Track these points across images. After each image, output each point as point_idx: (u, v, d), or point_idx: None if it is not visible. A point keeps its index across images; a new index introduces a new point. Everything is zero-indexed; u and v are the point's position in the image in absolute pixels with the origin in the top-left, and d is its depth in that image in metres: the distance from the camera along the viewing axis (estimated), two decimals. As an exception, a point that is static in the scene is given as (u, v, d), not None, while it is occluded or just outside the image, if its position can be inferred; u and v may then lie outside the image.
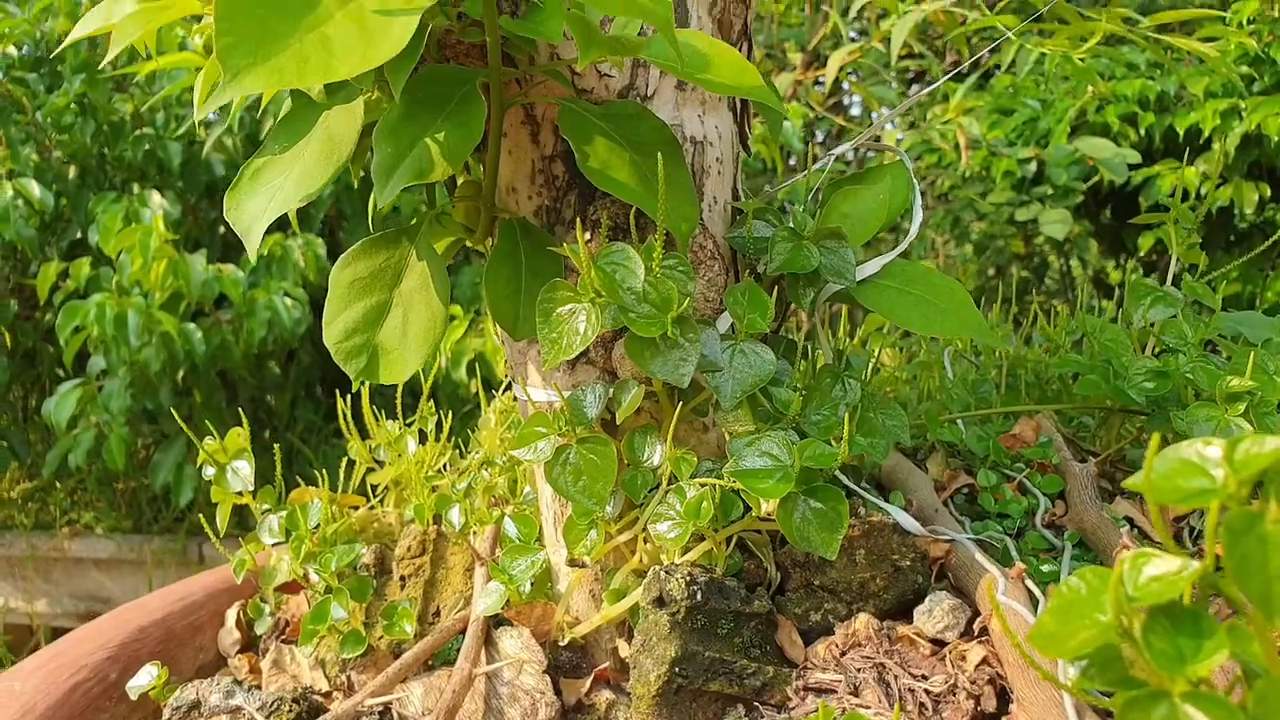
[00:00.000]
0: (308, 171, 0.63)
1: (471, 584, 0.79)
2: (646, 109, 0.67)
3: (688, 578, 0.60)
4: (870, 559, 0.67)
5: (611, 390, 0.67)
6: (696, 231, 0.71)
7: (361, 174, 0.77)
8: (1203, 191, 2.52)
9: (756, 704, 0.61)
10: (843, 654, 0.61)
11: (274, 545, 0.87)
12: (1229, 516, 0.35)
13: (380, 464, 1.04)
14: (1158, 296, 0.96)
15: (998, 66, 3.17)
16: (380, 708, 0.70)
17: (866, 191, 0.77)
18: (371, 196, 0.71)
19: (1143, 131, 2.68)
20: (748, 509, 0.63)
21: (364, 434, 1.05)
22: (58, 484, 2.53)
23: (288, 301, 2.15)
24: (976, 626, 0.62)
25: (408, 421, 1.04)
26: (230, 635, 0.85)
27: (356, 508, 0.98)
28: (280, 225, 2.31)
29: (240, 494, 0.86)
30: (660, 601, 0.61)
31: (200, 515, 2.35)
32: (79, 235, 2.45)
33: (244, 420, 0.96)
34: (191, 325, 2.07)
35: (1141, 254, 2.97)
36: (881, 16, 2.77)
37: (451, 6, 0.64)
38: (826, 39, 3.18)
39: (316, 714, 0.70)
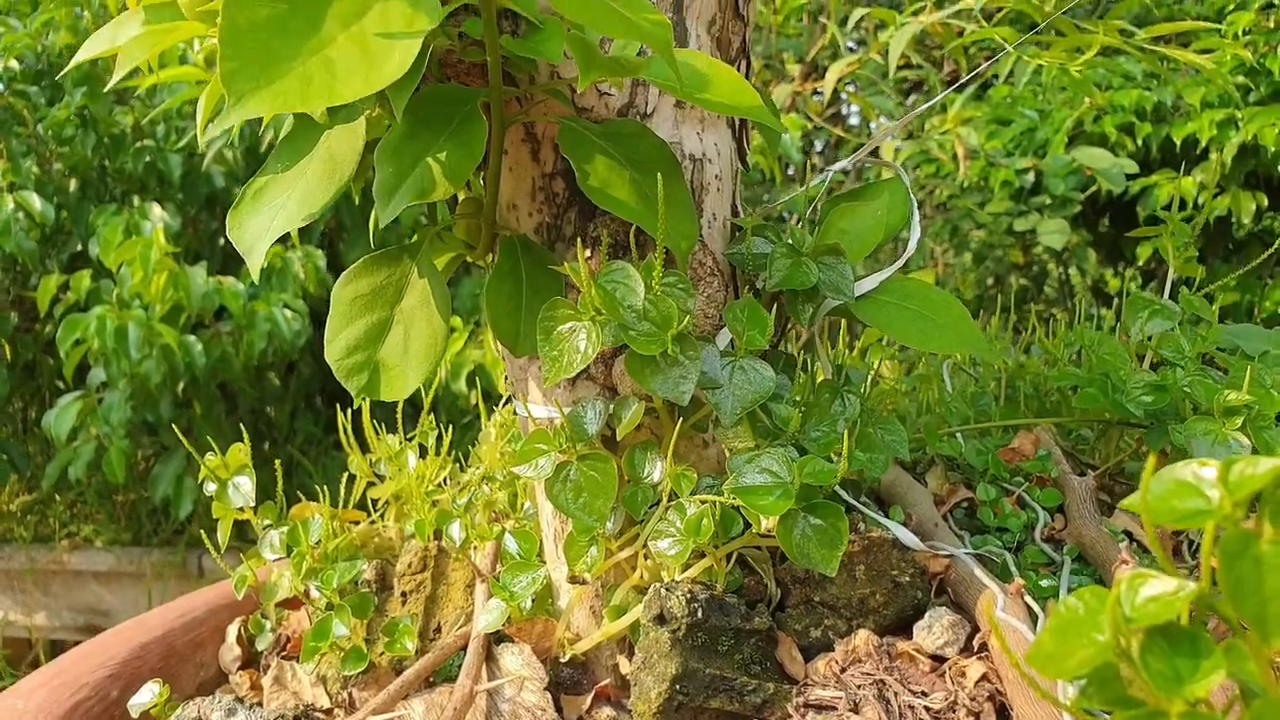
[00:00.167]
0: (310, 190, 0.63)
1: (472, 600, 0.79)
2: (646, 128, 0.68)
3: (688, 595, 0.61)
4: (870, 575, 0.67)
5: (612, 406, 0.67)
6: (696, 248, 0.71)
7: (363, 189, 0.77)
8: (1200, 201, 2.53)
9: (757, 720, 0.61)
10: (843, 670, 0.61)
11: (275, 561, 0.87)
12: (1224, 538, 0.35)
13: (381, 478, 1.04)
14: (1155, 309, 0.96)
15: (996, 77, 3.18)
16: (381, 724, 0.70)
17: (864, 208, 0.78)
18: (372, 212, 0.71)
19: (1140, 141, 2.69)
20: (748, 525, 0.63)
21: (364, 448, 1.05)
22: (57, 496, 2.53)
23: (288, 313, 2.15)
24: (976, 642, 0.63)
25: (409, 436, 1.04)
26: (231, 651, 0.86)
27: (357, 522, 0.98)
28: (280, 238, 2.31)
29: (241, 510, 0.86)
30: (661, 619, 0.61)
31: (200, 528, 2.36)
32: (79, 247, 2.46)
33: (245, 435, 0.96)
34: (192, 338, 2.08)
35: (1140, 263, 2.98)
36: (880, 27, 2.78)
37: (453, 26, 0.64)
38: (825, 50, 3.20)
39: (318, 730, 0.70)
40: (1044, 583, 0.71)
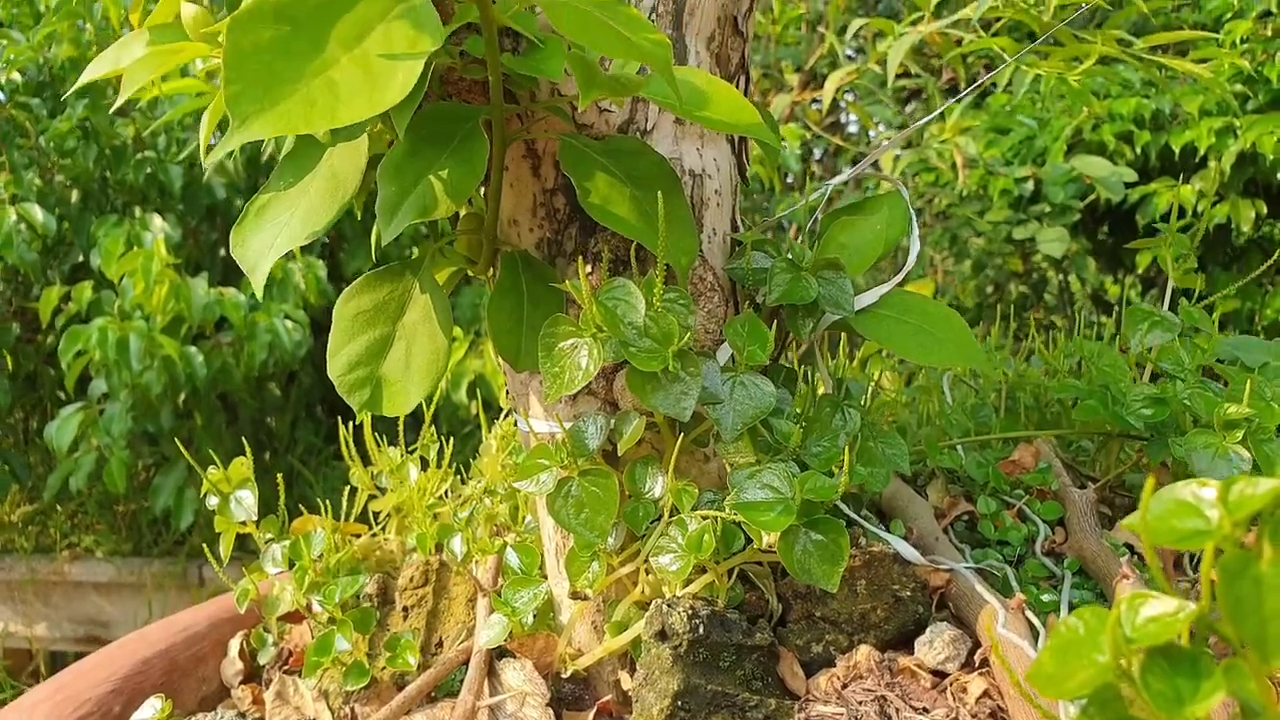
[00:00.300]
0: (313, 208, 0.63)
1: (474, 614, 0.79)
2: (646, 144, 0.68)
3: (690, 611, 0.61)
4: (871, 589, 0.67)
5: (613, 421, 0.67)
6: (696, 263, 0.71)
7: (364, 202, 0.77)
8: (1199, 209, 2.54)
9: (759, 736, 0.61)
10: (844, 686, 0.61)
11: (277, 574, 0.87)
12: (1224, 558, 0.35)
13: (382, 490, 1.04)
14: (1155, 321, 0.96)
15: (994, 85, 3.19)
16: (383, 739, 0.70)
17: (864, 222, 0.78)
18: (374, 227, 0.71)
19: (1139, 150, 2.69)
20: (749, 541, 0.63)
21: (365, 460, 1.05)
22: (58, 507, 2.53)
23: (288, 324, 2.15)
24: (978, 658, 0.63)
25: (410, 448, 1.04)
26: (233, 666, 0.86)
27: (359, 535, 0.98)
28: (281, 248, 2.31)
29: (244, 524, 0.86)
30: (662, 635, 0.61)
31: (201, 538, 2.36)
32: (81, 258, 2.46)
33: (246, 447, 0.97)
34: (193, 349, 2.08)
35: (1140, 271, 2.98)
36: (878, 36, 2.79)
37: (454, 45, 0.65)
38: (823, 59, 3.21)
39: (320, 746, 0.70)
40: (1045, 597, 0.71)
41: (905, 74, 3.23)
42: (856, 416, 0.73)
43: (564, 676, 0.70)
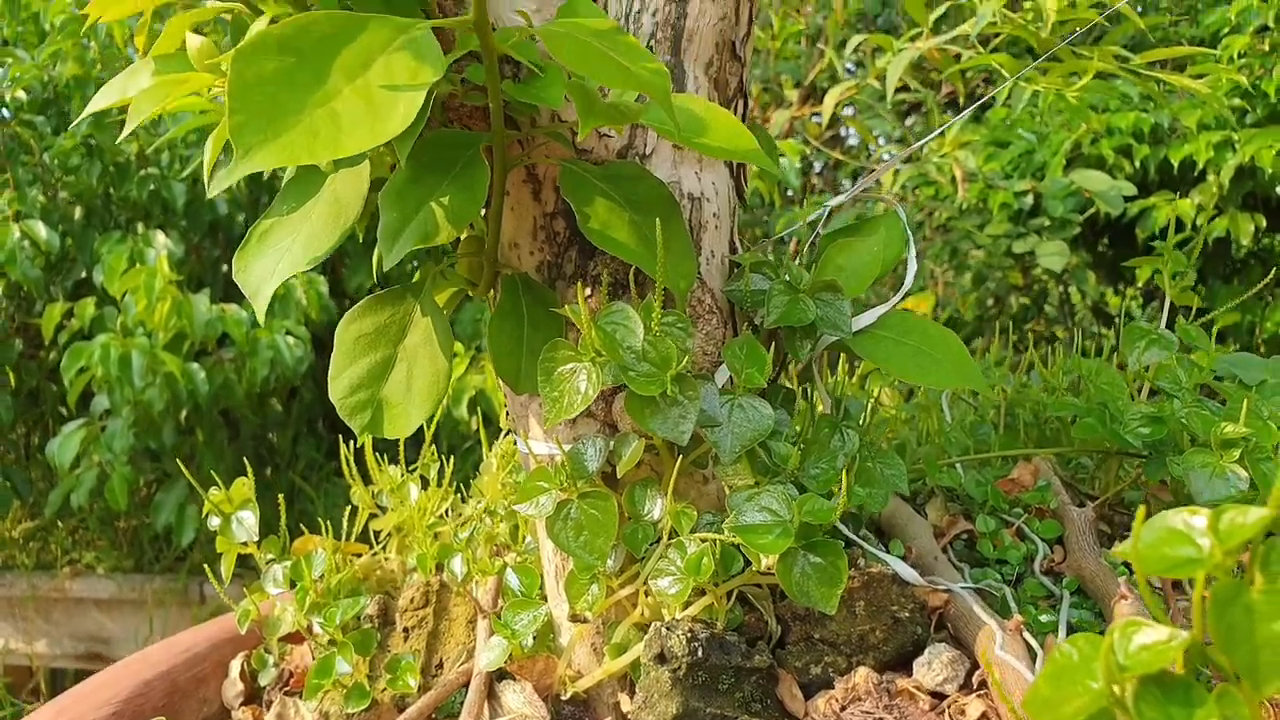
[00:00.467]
0: (315, 234, 0.64)
1: (474, 636, 0.79)
2: (645, 169, 0.69)
3: (688, 634, 0.61)
4: (870, 610, 0.68)
5: (612, 443, 0.68)
6: (695, 286, 0.72)
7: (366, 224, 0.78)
8: (1198, 223, 2.54)
9: (758, 757, 0.61)
10: (843, 708, 0.61)
11: (278, 594, 0.87)
12: (1215, 587, 0.36)
13: (383, 509, 1.04)
14: (1153, 339, 0.97)
15: (993, 99, 3.20)
16: (384, 761, 0.71)
17: (861, 243, 0.79)
18: (376, 251, 0.72)
19: (1138, 163, 2.70)
20: (748, 563, 0.63)
21: (366, 478, 1.06)
22: (59, 523, 2.53)
23: (290, 340, 2.16)
24: (976, 679, 0.63)
25: (410, 466, 1.05)
26: (234, 687, 0.86)
27: (360, 555, 0.99)
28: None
29: (245, 544, 0.87)
30: (661, 658, 0.61)
31: (202, 555, 2.36)
32: (84, 274, 2.47)
33: (248, 466, 0.97)
34: (195, 365, 2.09)
35: (1140, 284, 2.98)
36: (877, 51, 2.80)
37: (455, 72, 0.65)
38: (823, 73, 3.22)
39: (321, 767, 0.71)
40: (1043, 617, 0.71)
41: (904, 88, 3.24)
42: (855, 437, 0.73)
43: (564, 699, 0.70)
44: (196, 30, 0.67)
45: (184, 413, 2.18)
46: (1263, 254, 2.77)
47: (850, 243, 0.79)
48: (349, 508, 1.03)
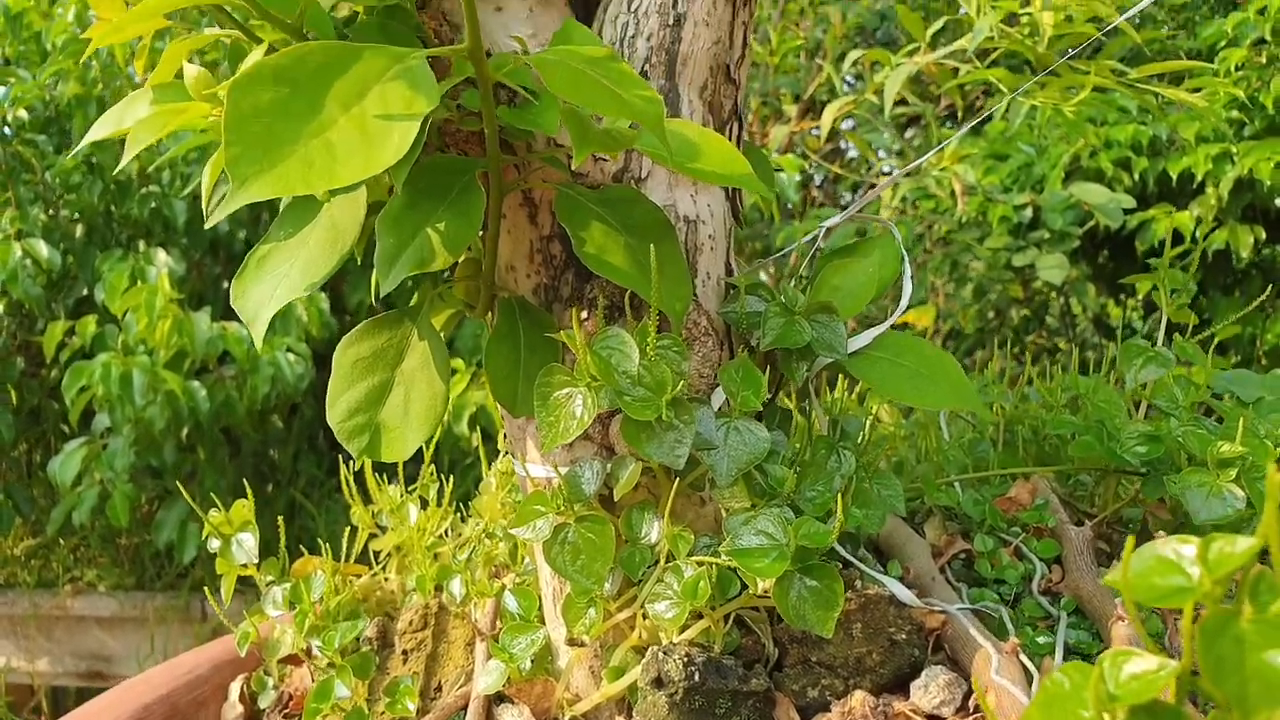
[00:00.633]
0: (313, 259, 0.64)
1: (473, 658, 0.79)
2: (640, 193, 0.69)
3: (685, 658, 0.61)
4: (867, 632, 0.68)
5: (609, 466, 0.68)
6: (690, 308, 0.72)
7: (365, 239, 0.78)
8: (1197, 235, 2.55)
9: (756, 781, 0.61)
10: (840, 732, 0.61)
11: (278, 616, 0.88)
12: (1204, 617, 0.36)
13: (383, 528, 1.04)
14: (1150, 356, 0.97)
15: (991, 114, 3.21)
16: (383, 784, 0.71)
17: (856, 265, 0.79)
18: (373, 276, 0.72)
19: (1136, 176, 2.71)
20: (745, 586, 0.64)
21: (366, 497, 1.06)
22: (61, 541, 2.53)
23: (290, 357, 2.17)
24: (972, 703, 0.63)
25: (409, 487, 1.05)
26: (234, 710, 0.86)
27: (359, 576, 0.99)
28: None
29: (245, 566, 0.87)
30: (659, 682, 0.61)
31: (203, 572, 2.36)
32: (85, 292, 2.48)
33: (249, 488, 0.97)
34: (196, 383, 2.09)
35: (1141, 296, 2.99)
36: (876, 64, 2.81)
37: (450, 98, 0.66)
38: (822, 86, 3.23)
39: (319, 791, 0.71)
40: (1040, 639, 0.71)
41: (903, 101, 3.26)
42: (851, 459, 0.74)
43: (562, 721, 0.70)
44: (195, 54, 0.67)
45: (185, 430, 2.18)
46: (1263, 265, 2.78)
47: (846, 263, 0.80)
48: (349, 528, 1.04)
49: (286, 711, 0.84)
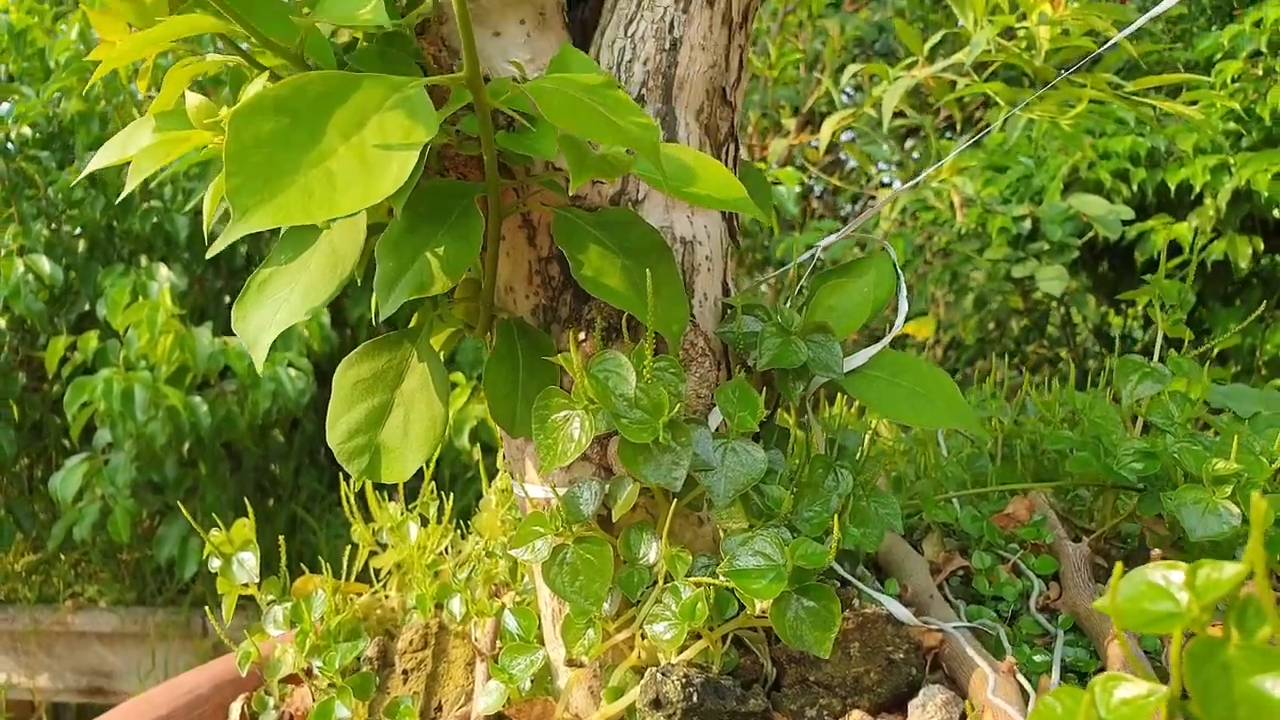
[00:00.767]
0: (313, 284, 0.65)
1: (473, 678, 0.80)
2: (637, 215, 0.70)
3: (683, 679, 0.61)
4: (864, 652, 0.68)
5: (607, 487, 0.68)
6: (687, 329, 0.73)
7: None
8: (1196, 246, 2.55)
9: (754, 801, 0.62)
10: (837, 752, 0.62)
11: (279, 636, 0.88)
12: (1192, 643, 0.36)
13: (383, 546, 1.05)
14: (1146, 372, 0.98)
15: (989, 126, 3.22)
16: (383, 804, 0.71)
17: (852, 284, 0.80)
18: (373, 298, 0.73)
19: (1135, 187, 2.71)
20: (742, 607, 0.64)
21: (367, 514, 1.07)
22: (62, 556, 2.53)
23: (292, 372, 2.17)
24: (969, 722, 0.63)
25: (410, 505, 1.06)
26: (235, 729, 0.86)
27: (359, 594, 0.99)
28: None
29: (246, 585, 0.87)
30: (657, 703, 0.62)
31: (204, 587, 2.36)
32: (87, 307, 2.49)
33: (249, 507, 0.98)
34: (197, 398, 2.10)
35: (1141, 307, 2.99)
36: (874, 76, 2.83)
37: (450, 124, 0.67)
38: (822, 98, 3.24)
39: (320, 812, 0.71)
40: (1038, 657, 0.71)
41: (901, 113, 3.27)
42: (849, 477, 0.74)
43: (561, 741, 0.70)
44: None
45: (186, 445, 2.19)
46: (1263, 274, 2.78)
47: (841, 283, 0.80)
48: (349, 545, 1.04)
49: (287, 731, 0.84)
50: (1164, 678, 0.56)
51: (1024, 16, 1.52)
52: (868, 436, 0.94)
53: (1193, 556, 0.86)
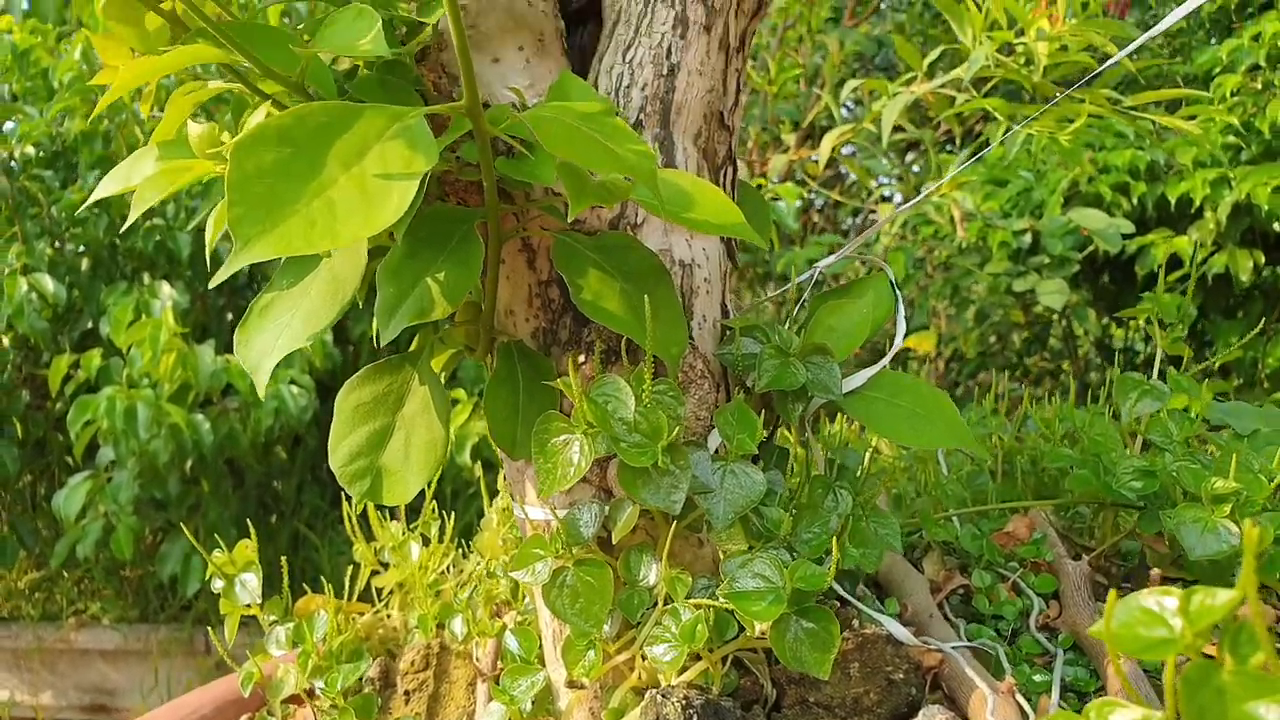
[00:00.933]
0: (314, 310, 0.66)
1: (474, 699, 0.80)
2: (635, 239, 0.70)
3: (684, 700, 0.62)
4: (864, 672, 0.68)
5: (607, 509, 0.69)
6: (686, 352, 0.73)
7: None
8: (1197, 260, 2.55)
9: (755, 824, 0.62)
10: (837, 775, 0.62)
11: (281, 656, 0.88)
12: (1186, 668, 0.37)
13: (385, 565, 1.05)
14: (1145, 390, 0.98)
15: (988, 141, 3.23)
16: (385, 827, 0.71)
17: (851, 305, 0.80)
18: (374, 323, 0.73)
19: (1135, 200, 2.72)
20: (742, 628, 0.64)
21: (369, 534, 1.07)
22: (65, 574, 2.54)
23: (294, 389, 2.18)
24: (969, 743, 0.63)
25: (411, 525, 1.06)
26: (237, 750, 0.86)
27: (362, 614, 1.00)
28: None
29: (248, 606, 0.88)
30: (657, 725, 0.62)
31: (207, 603, 2.36)
32: (90, 325, 2.50)
33: (251, 524, 0.98)
34: (200, 416, 2.11)
35: (1142, 320, 2.99)
36: (874, 91, 2.84)
37: (450, 150, 0.67)
38: (822, 112, 3.26)
39: (322, 834, 0.71)
40: (1037, 677, 0.72)
41: (901, 128, 3.28)
42: (848, 498, 0.74)
43: (563, 762, 0.70)
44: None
45: (189, 463, 2.19)
46: (1264, 287, 2.79)
47: (840, 304, 0.81)
48: (351, 565, 1.04)
49: (289, 752, 0.84)
50: (1164, 696, 0.57)
51: (1022, 32, 1.53)
52: (868, 454, 0.94)
53: (1193, 575, 0.86)
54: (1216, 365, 0.97)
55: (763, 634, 0.62)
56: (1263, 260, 2.60)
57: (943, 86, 1.96)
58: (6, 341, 2.43)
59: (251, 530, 0.93)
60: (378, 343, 0.81)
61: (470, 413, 2.16)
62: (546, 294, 0.74)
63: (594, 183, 0.61)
